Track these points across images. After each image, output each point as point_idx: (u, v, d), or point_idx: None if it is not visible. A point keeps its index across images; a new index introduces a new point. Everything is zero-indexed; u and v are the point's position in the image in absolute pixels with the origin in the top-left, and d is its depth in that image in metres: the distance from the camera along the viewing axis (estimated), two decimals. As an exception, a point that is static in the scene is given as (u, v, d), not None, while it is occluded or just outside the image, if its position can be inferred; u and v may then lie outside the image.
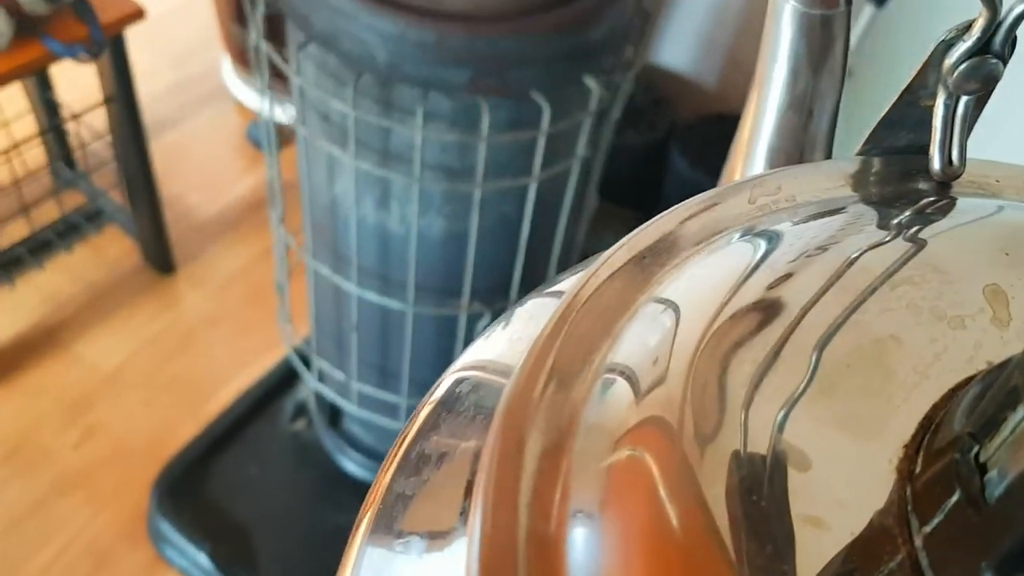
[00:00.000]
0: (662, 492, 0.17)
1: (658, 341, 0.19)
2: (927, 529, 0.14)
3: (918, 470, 0.15)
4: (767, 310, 0.20)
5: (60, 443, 1.31)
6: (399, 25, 0.72)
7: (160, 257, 1.51)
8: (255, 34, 0.84)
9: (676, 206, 0.23)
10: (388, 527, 0.22)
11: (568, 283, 0.25)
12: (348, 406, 1.11)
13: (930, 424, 0.16)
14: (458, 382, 0.24)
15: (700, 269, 0.21)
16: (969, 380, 0.17)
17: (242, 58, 1.66)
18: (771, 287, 0.20)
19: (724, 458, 0.17)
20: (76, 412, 1.35)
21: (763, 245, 0.22)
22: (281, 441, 1.30)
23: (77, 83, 1.42)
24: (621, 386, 0.18)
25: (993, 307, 0.19)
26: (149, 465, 1.26)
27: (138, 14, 1.18)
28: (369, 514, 0.23)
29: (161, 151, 1.58)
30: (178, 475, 1.24)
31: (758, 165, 0.32)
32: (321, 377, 1.12)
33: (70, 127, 1.43)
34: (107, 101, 1.29)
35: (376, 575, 0.22)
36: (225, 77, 1.76)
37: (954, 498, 0.14)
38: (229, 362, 1.42)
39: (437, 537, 0.21)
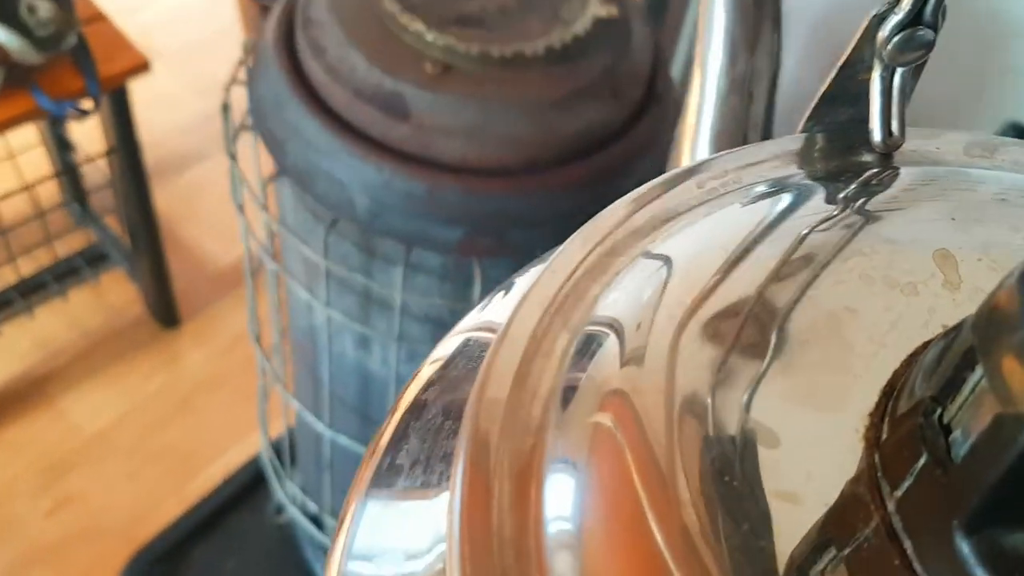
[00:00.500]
0: (635, 485, 0.17)
1: (623, 331, 0.19)
2: (898, 493, 0.15)
3: (885, 437, 0.16)
4: (723, 293, 0.20)
5: (32, 510, 1.22)
6: (384, 172, 0.62)
7: (164, 309, 1.40)
8: (228, 148, 0.75)
9: (625, 196, 0.23)
10: (386, 481, 0.23)
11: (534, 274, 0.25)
12: (320, 536, 1.03)
13: (892, 391, 0.16)
14: (465, 343, 0.24)
15: (653, 258, 0.21)
16: (926, 345, 0.17)
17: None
18: (726, 270, 0.20)
19: (695, 443, 0.17)
20: (53, 476, 1.25)
21: (714, 230, 0.22)
22: (264, 535, 1.20)
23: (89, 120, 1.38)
24: (587, 381, 0.18)
25: (944, 271, 0.19)
26: (124, 545, 1.17)
27: (143, 66, 1.09)
28: (369, 470, 0.23)
29: (182, 189, 1.54)
30: (152, 562, 1.17)
31: (703, 150, 0.32)
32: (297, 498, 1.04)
33: (80, 165, 1.34)
34: (108, 152, 1.21)
35: (375, 526, 0.22)
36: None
37: (921, 461, 0.14)
38: (224, 433, 1.31)
39: (432, 488, 0.21)
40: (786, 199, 0.22)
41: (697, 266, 0.20)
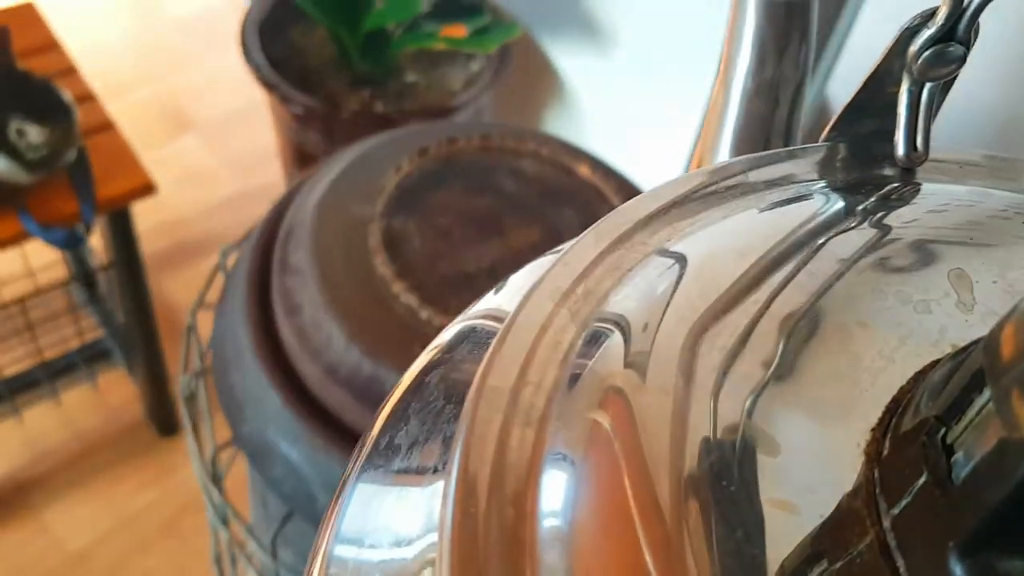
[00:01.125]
0: (626, 486, 0.17)
1: (630, 329, 0.19)
2: (895, 511, 0.15)
3: (886, 453, 0.16)
4: (735, 297, 0.20)
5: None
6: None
7: (161, 416, 1.30)
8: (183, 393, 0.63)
9: (642, 194, 0.23)
10: (382, 462, 0.23)
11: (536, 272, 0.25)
12: None
13: (897, 407, 0.16)
14: (470, 329, 0.24)
15: (667, 257, 0.21)
16: (935, 364, 0.17)
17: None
18: (740, 274, 0.20)
19: (694, 445, 0.17)
20: (27, 595, 1.15)
21: (730, 233, 0.22)
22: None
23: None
24: (591, 375, 0.18)
25: (958, 291, 0.19)
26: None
27: (147, 189, 0.99)
28: (365, 449, 0.23)
29: (200, 276, 1.39)
30: None
31: (724, 152, 0.32)
32: None
33: (88, 252, 1.25)
34: (108, 267, 1.13)
35: (367, 508, 0.22)
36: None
37: (921, 480, 0.14)
38: (207, 562, 1.22)
39: (426, 473, 0.21)
40: (805, 207, 0.22)
41: (710, 268, 0.20)
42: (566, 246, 0.22)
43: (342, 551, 0.22)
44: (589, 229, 0.22)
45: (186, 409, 0.63)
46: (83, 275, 1.25)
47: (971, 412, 0.14)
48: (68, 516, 1.23)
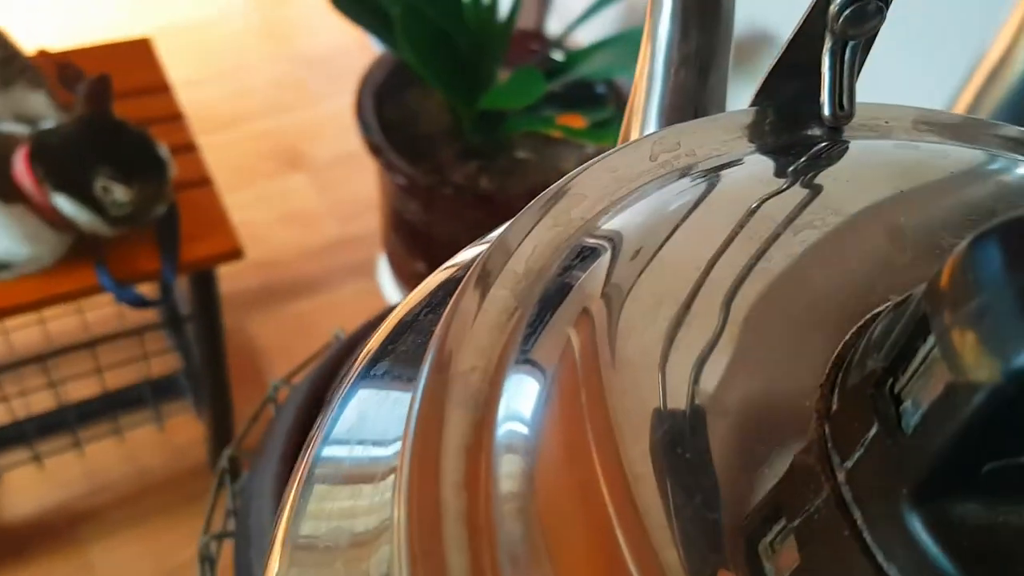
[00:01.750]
0: (588, 456, 0.16)
1: (570, 303, 0.19)
2: (848, 464, 0.15)
3: (835, 408, 0.16)
4: (674, 265, 0.20)
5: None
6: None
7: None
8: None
9: (575, 170, 0.23)
10: (378, 370, 0.24)
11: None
12: None
13: (843, 362, 0.16)
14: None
15: (607, 231, 0.21)
16: (876, 316, 0.17)
17: (399, 268, 1.42)
18: (677, 242, 0.20)
19: (646, 416, 0.17)
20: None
21: (665, 201, 0.22)
22: None
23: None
24: (539, 351, 0.18)
25: (892, 243, 0.19)
26: None
27: (234, 254, 0.93)
28: (363, 359, 0.25)
29: (288, 320, 1.42)
30: None
31: (652, 124, 0.32)
32: None
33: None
34: (187, 319, 1.07)
35: (358, 411, 0.23)
36: (380, 267, 1.50)
37: (872, 432, 0.14)
38: None
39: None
40: (736, 172, 0.22)
41: (646, 239, 0.20)
42: (505, 225, 0.22)
43: (329, 451, 0.23)
44: (525, 208, 0.21)
45: (200, 572, 0.58)
46: (170, 320, 1.19)
47: (917, 360, 0.14)
48: (113, 556, 1.18)
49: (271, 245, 1.51)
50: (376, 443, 0.23)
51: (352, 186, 1.62)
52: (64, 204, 0.83)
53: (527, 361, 0.18)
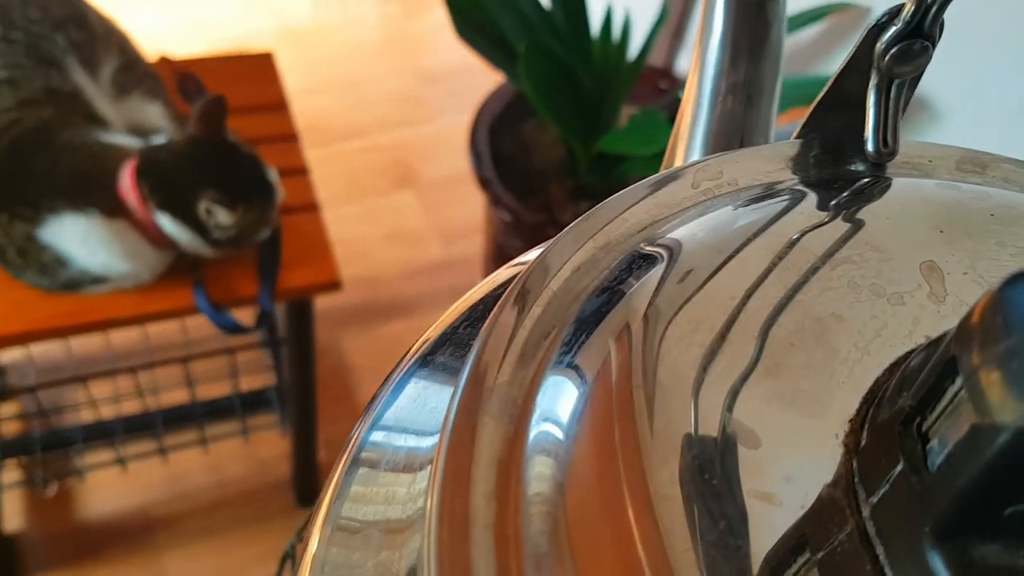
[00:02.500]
0: (617, 475, 0.17)
1: (605, 323, 0.19)
2: (873, 499, 0.15)
3: (864, 443, 0.16)
4: (713, 293, 0.20)
5: None
6: None
7: (303, 484, 1.22)
8: None
9: (620, 192, 0.23)
10: (434, 360, 0.25)
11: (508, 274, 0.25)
12: None
13: (873, 398, 0.17)
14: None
15: (647, 255, 0.21)
16: (909, 354, 0.17)
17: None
18: (716, 270, 0.20)
19: (676, 440, 0.17)
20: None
21: (706, 230, 0.22)
22: None
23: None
24: (574, 370, 0.19)
25: (930, 283, 0.19)
26: None
27: (332, 285, 0.91)
28: (419, 349, 0.26)
29: (381, 342, 1.40)
30: None
31: (697, 150, 0.33)
32: None
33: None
34: (282, 342, 1.05)
35: (417, 398, 0.24)
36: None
37: (898, 468, 0.14)
38: None
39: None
40: (778, 204, 0.23)
41: (687, 266, 0.21)
42: (545, 244, 0.22)
43: (376, 436, 0.24)
44: (566, 229, 0.22)
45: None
46: (267, 341, 1.20)
47: (944, 400, 0.14)
48: (186, 566, 1.17)
49: (374, 262, 1.50)
50: (418, 433, 0.23)
51: (460, 207, 1.60)
52: (166, 223, 0.82)
53: (561, 377, 0.19)
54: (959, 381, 0.13)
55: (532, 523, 0.16)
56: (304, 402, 1.11)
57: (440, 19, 1.77)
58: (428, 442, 0.23)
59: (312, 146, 1.04)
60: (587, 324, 0.20)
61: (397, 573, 0.21)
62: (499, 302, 0.20)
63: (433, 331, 0.26)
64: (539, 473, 0.17)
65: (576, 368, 0.19)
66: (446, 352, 0.25)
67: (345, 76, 1.81)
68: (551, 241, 0.22)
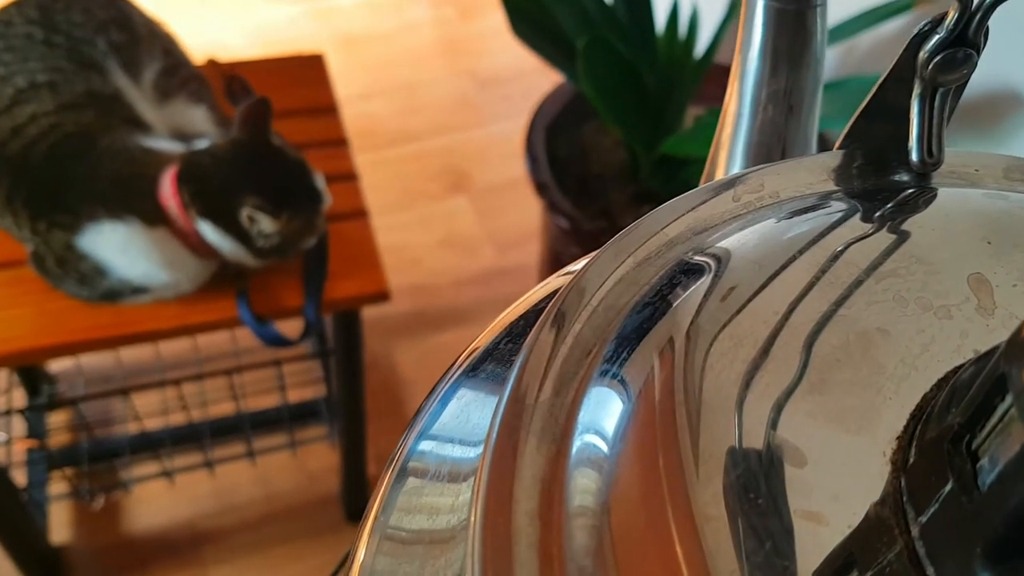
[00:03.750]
0: (660, 494, 0.17)
1: (651, 343, 0.19)
2: (923, 519, 0.15)
3: (912, 461, 0.16)
4: (756, 308, 0.20)
5: None
6: None
7: (352, 499, 1.19)
8: None
9: (661, 206, 0.23)
10: (482, 370, 0.25)
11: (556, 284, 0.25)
12: None
13: (922, 415, 0.16)
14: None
15: (689, 269, 0.21)
16: (957, 370, 0.17)
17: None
18: (759, 285, 0.20)
19: (720, 458, 0.17)
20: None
21: (749, 243, 0.22)
22: None
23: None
24: (616, 387, 0.19)
25: (978, 296, 0.19)
26: None
27: (380, 296, 0.88)
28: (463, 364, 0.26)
29: (431, 351, 1.37)
30: None
31: (739, 161, 0.32)
32: None
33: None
34: (330, 352, 1.03)
35: (464, 409, 0.25)
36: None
37: (947, 487, 0.14)
38: None
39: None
40: (822, 216, 0.22)
41: (730, 280, 0.20)
42: (586, 258, 0.22)
43: (423, 446, 0.24)
44: (607, 243, 0.22)
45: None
46: (315, 352, 1.17)
47: (995, 418, 0.14)
48: None
49: (427, 269, 1.47)
50: (463, 443, 0.23)
51: (515, 213, 1.56)
52: (208, 231, 0.79)
53: (603, 394, 0.19)
54: (1009, 398, 0.13)
55: (575, 542, 0.16)
56: (353, 415, 1.09)
57: (495, 23, 1.77)
58: (473, 452, 0.23)
59: (364, 151, 1.01)
60: (629, 340, 0.20)
61: None
62: (538, 321, 0.20)
63: (480, 341, 0.26)
64: (582, 491, 0.17)
65: (619, 384, 0.19)
66: (490, 366, 0.25)
67: (399, 80, 1.79)
68: (590, 257, 0.22)
